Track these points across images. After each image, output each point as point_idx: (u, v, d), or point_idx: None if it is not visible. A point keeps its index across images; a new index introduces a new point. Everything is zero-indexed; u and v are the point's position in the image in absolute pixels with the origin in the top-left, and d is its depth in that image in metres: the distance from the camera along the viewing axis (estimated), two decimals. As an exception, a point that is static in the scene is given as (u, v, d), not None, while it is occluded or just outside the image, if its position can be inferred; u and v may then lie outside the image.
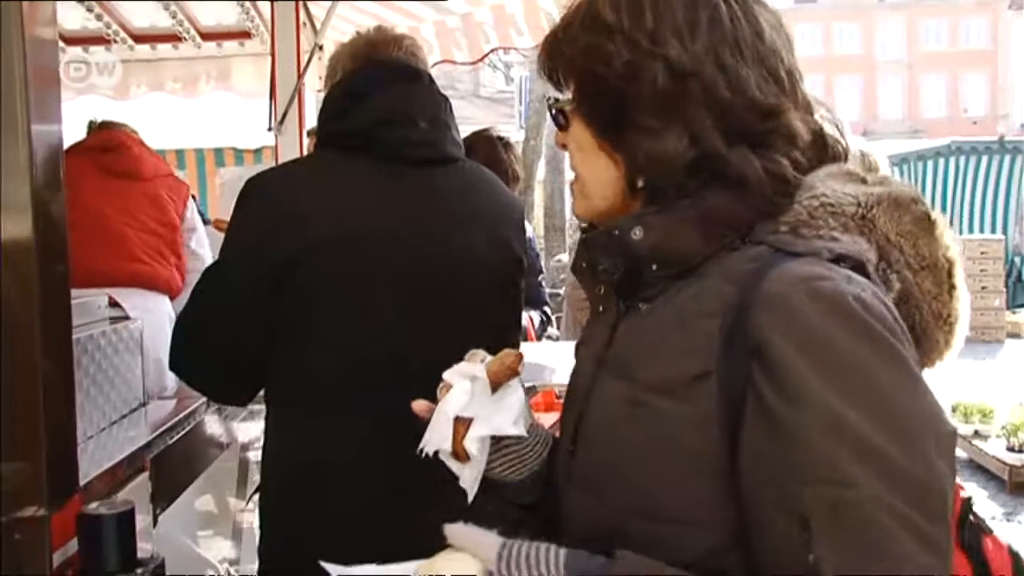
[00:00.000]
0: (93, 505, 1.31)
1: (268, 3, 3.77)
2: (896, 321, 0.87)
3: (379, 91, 1.68)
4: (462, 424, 1.03)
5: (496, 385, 1.03)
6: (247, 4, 4.24)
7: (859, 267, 0.91)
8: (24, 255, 1.27)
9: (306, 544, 1.61)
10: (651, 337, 0.96)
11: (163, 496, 2.00)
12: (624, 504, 0.93)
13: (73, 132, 3.55)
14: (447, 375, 1.06)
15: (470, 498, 1.07)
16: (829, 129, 1.03)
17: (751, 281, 0.88)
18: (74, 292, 1.48)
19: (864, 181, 1.00)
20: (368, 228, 1.62)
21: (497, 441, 1.08)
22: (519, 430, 1.04)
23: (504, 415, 1.04)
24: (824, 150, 1.02)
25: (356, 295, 1.61)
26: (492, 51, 4.55)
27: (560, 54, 1.03)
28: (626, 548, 0.88)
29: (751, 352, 0.86)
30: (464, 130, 3.17)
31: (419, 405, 1.11)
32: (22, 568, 1.26)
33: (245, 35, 4.59)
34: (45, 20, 1.34)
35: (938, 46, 44.34)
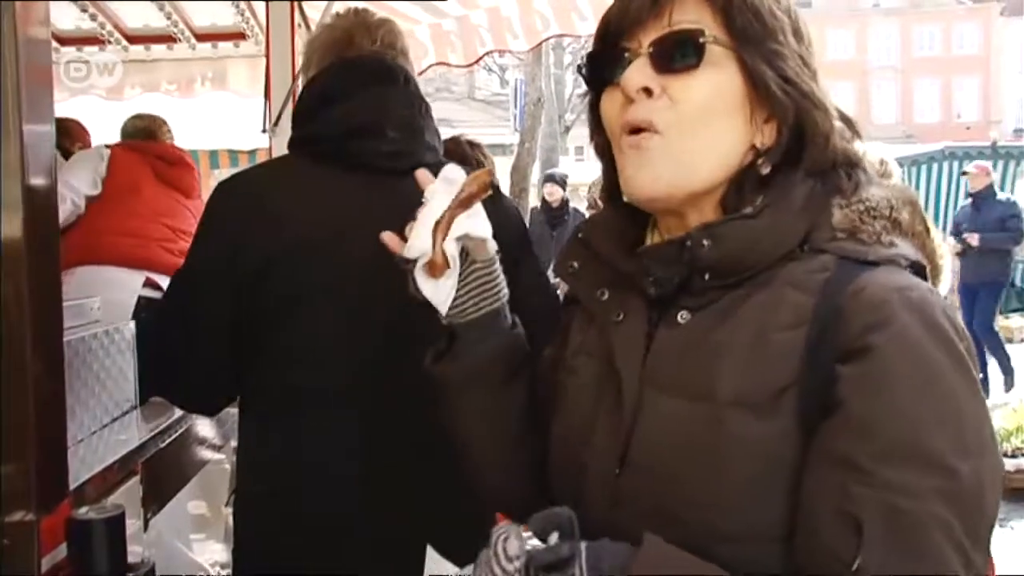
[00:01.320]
0: (83, 510, 1.30)
1: (263, 4, 3.76)
2: (968, 339, 0.89)
3: (349, 96, 1.62)
4: (441, 231, 1.03)
5: (470, 202, 1.04)
6: (242, 5, 4.23)
7: (921, 271, 0.93)
8: (15, 256, 1.26)
9: (280, 549, 1.59)
10: (723, 354, 0.91)
11: (154, 500, 1.99)
12: (707, 527, 0.88)
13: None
14: (428, 190, 1.07)
15: (443, 312, 1.07)
16: None
17: (833, 290, 0.88)
18: (74, 296, 1.47)
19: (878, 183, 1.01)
20: (338, 235, 1.58)
21: (466, 260, 1.07)
22: (491, 241, 1.06)
23: (479, 222, 1.04)
24: None
25: (331, 300, 1.58)
26: (487, 54, 4.54)
27: None
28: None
29: (842, 357, 0.85)
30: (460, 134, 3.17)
31: (390, 238, 1.08)
32: (10, 574, 1.24)
33: (240, 36, 4.58)
34: (38, 20, 1.33)
35: (931, 51, 44.53)
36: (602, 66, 0.99)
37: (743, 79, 0.93)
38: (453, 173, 1.05)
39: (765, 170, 0.95)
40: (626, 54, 0.95)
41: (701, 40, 0.92)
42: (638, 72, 0.93)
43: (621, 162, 0.98)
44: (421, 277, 1.04)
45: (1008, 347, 10.78)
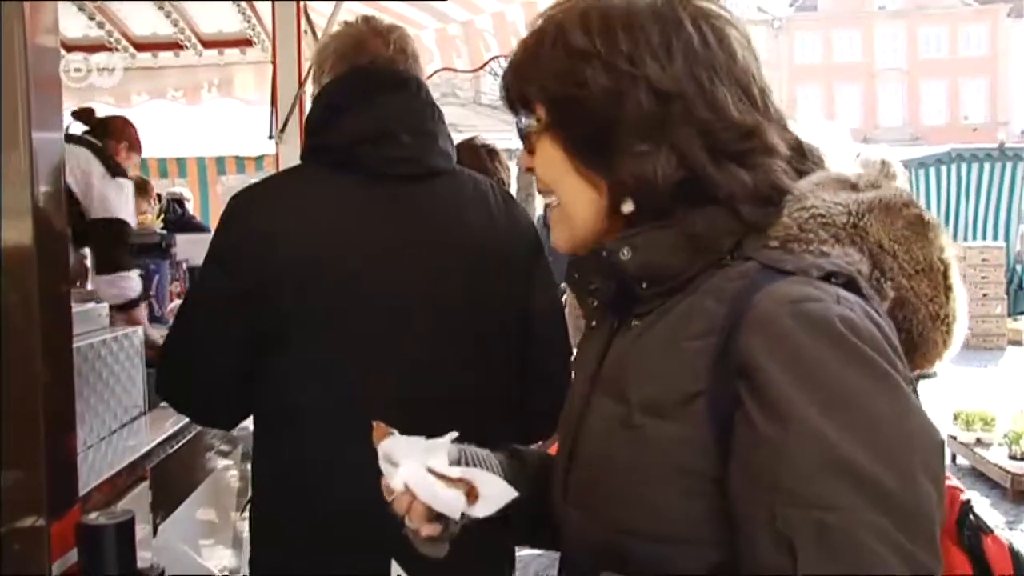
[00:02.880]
0: (93, 515, 1.30)
1: (269, 11, 3.77)
2: (886, 339, 0.86)
3: (359, 104, 1.63)
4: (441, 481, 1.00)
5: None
6: (248, 12, 4.25)
7: (851, 282, 0.90)
8: (25, 263, 1.26)
9: (294, 564, 1.59)
10: (641, 358, 0.95)
11: (163, 505, 1.99)
12: (624, 524, 0.92)
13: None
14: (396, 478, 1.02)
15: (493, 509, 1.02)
16: (806, 137, 1.04)
17: (740, 300, 0.88)
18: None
19: (855, 187, 1.00)
20: (343, 249, 1.59)
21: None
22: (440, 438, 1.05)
23: (418, 442, 1.05)
24: (804, 159, 1.03)
25: (332, 317, 1.57)
26: (493, 59, 4.54)
27: (527, 79, 1.02)
28: (628, 566, 0.88)
29: (738, 372, 0.85)
30: (464, 139, 3.11)
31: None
32: (21, 579, 1.25)
33: (246, 43, 4.59)
34: (47, 28, 1.34)
35: (938, 53, 44.39)
36: None
37: (559, 147, 1.01)
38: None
39: (627, 208, 0.98)
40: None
41: (525, 131, 1.06)
42: (524, 156, 1.08)
43: None
44: (469, 511, 1.01)
45: (1018, 349, 10.81)
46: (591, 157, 0.98)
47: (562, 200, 1.03)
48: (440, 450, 1.03)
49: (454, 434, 1.05)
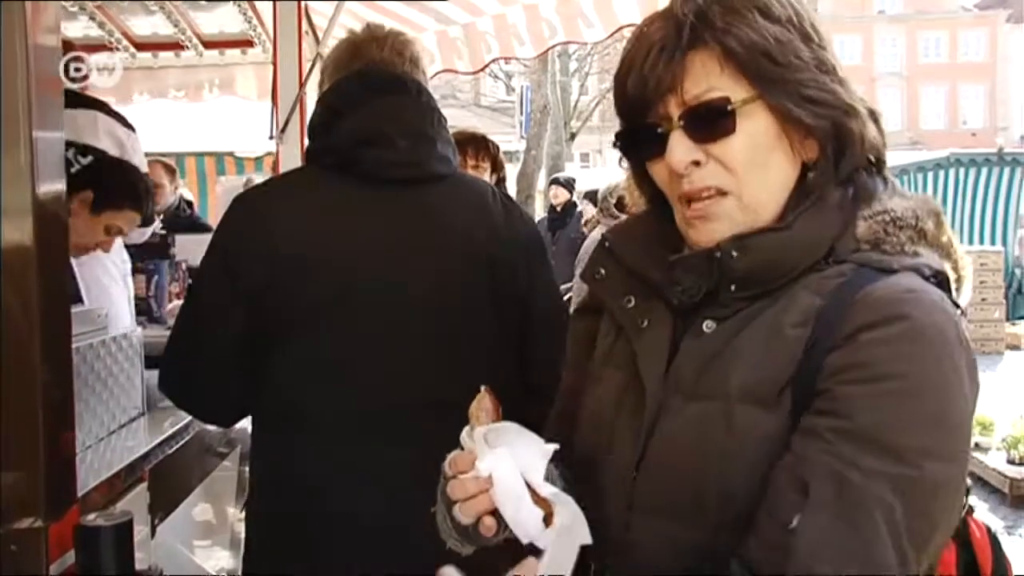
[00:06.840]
0: (91, 516, 1.30)
1: (271, 12, 3.77)
2: (970, 348, 0.90)
3: (358, 107, 1.63)
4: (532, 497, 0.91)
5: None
6: (249, 13, 4.25)
7: (944, 283, 0.94)
8: (24, 263, 1.26)
9: (288, 566, 1.59)
10: (738, 354, 0.94)
11: (161, 506, 1.99)
12: (714, 521, 0.92)
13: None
14: (484, 466, 0.92)
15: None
16: None
17: (844, 291, 0.91)
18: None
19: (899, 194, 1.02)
20: (343, 251, 1.60)
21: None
22: (550, 444, 0.95)
23: (532, 440, 0.94)
24: None
25: (332, 318, 1.58)
26: (493, 61, 4.54)
27: (736, 42, 0.93)
28: (720, 564, 0.89)
29: (833, 348, 0.88)
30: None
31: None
32: (19, 580, 1.24)
33: (247, 43, 4.59)
34: (48, 27, 1.34)
35: (937, 58, 44.45)
36: (639, 142, 1.02)
37: (774, 118, 0.96)
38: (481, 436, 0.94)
39: (814, 179, 0.98)
40: (659, 129, 0.98)
41: (730, 108, 0.94)
42: (681, 148, 0.96)
43: (684, 221, 1.00)
44: (545, 536, 0.90)
45: (1016, 354, 10.80)
46: (813, 119, 0.95)
47: (754, 184, 0.96)
48: (541, 460, 0.92)
49: (555, 446, 0.94)
